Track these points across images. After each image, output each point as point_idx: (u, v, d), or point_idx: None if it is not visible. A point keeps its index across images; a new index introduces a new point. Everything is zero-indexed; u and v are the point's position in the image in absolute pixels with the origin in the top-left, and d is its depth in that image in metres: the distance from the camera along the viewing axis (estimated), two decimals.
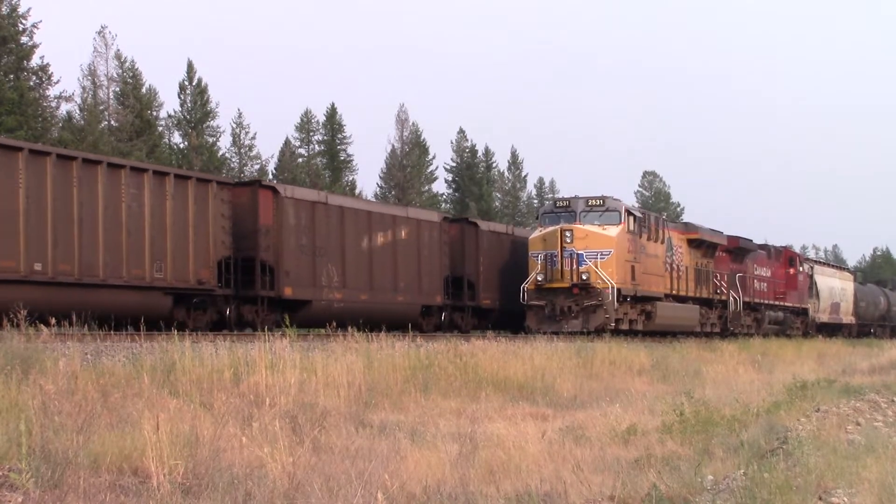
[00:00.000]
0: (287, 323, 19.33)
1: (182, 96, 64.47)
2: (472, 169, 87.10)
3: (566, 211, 32.27)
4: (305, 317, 26.75)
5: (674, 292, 36.15)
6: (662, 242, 35.50)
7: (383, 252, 30.59)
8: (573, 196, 32.81)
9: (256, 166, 68.61)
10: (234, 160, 67.96)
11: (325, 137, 78.36)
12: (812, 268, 53.27)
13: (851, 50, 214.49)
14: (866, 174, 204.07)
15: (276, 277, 26.30)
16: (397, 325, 26.04)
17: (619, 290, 31.09)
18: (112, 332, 18.29)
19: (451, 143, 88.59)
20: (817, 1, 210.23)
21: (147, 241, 22.78)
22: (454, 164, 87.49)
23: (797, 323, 49.58)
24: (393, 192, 76.59)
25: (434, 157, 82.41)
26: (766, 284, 45.88)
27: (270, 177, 67.78)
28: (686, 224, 41.19)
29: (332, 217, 28.70)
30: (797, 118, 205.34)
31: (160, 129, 61.20)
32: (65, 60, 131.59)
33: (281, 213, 26.58)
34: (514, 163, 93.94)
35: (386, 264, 30.69)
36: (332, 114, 78.90)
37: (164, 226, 23.23)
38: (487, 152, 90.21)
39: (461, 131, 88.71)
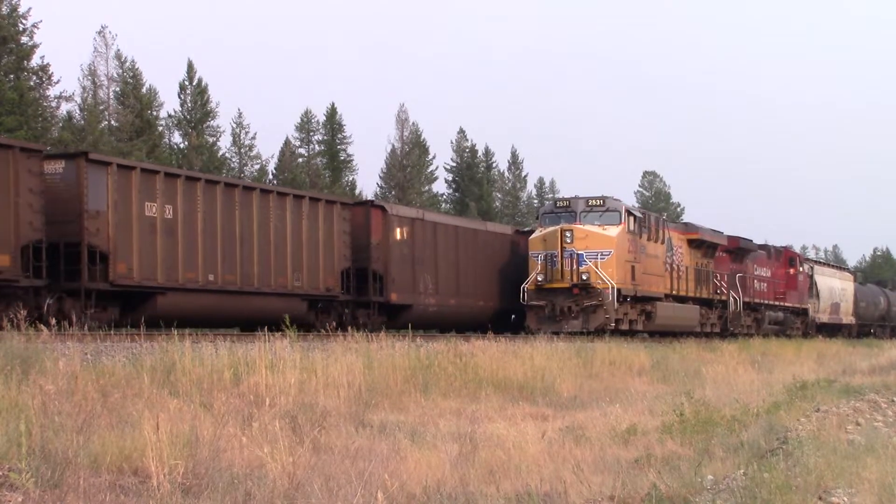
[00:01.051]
0: (391, 326, 26.07)
1: (182, 96, 64.47)
2: (472, 169, 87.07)
3: (566, 211, 32.28)
4: (406, 319, 29.12)
5: (674, 292, 36.16)
6: (662, 242, 35.50)
7: (466, 262, 34.88)
8: (573, 196, 32.83)
9: (256, 166, 68.63)
10: (234, 160, 67.94)
11: (325, 137, 78.33)
12: (812, 268, 53.27)
13: (852, 50, 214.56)
14: (866, 174, 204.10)
15: (384, 285, 30.42)
16: (476, 326, 31.15)
17: (619, 290, 31.10)
18: (112, 333, 18.32)
19: (451, 143, 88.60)
20: (818, 2, 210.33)
21: (289, 255, 27.05)
22: (454, 164, 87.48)
23: (797, 323, 49.58)
24: (393, 193, 76.58)
25: (434, 157, 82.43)
26: (766, 284, 45.88)
27: (270, 177, 67.83)
28: (686, 224, 41.21)
29: (427, 232, 32.98)
30: (797, 118, 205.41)
31: (160, 129, 61.18)
32: (65, 60, 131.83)
33: (388, 229, 30.89)
34: (514, 163, 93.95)
35: (468, 273, 34.89)
36: (332, 114, 78.88)
37: (301, 242, 27.55)
38: (487, 152, 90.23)
39: (461, 131, 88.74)
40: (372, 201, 33.80)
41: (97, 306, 21.60)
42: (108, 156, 27.68)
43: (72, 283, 21.37)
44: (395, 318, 30.02)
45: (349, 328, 25.58)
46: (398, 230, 31.29)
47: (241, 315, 25.69)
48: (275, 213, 26.61)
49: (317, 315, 27.81)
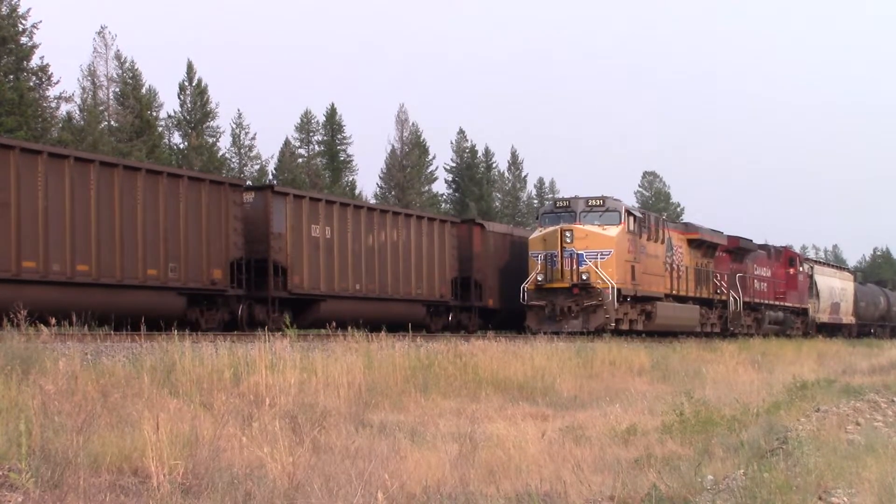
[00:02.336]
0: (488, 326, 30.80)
1: (182, 96, 64.51)
2: (472, 169, 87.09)
3: (566, 211, 32.27)
4: (497, 321, 35.50)
5: (674, 292, 36.15)
6: (662, 242, 35.50)
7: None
8: (573, 196, 32.82)
9: (256, 166, 68.67)
10: (234, 160, 67.99)
11: (325, 138, 78.37)
12: (812, 268, 53.27)
13: (852, 50, 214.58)
14: (866, 174, 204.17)
15: (482, 291, 35.23)
16: None
17: (619, 290, 31.10)
18: (112, 332, 18.34)
19: (451, 143, 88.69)
20: (818, 2, 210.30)
21: (413, 267, 31.81)
22: (454, 165, 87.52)
23: (797, 323, 49.57)
24: (393, 193, 76.59)
25: (434, 158, 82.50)
26: (766, 284, 45.87)
27: (270, 177, 67.87)
28: (686, 224, 41.19)
29: (514, 245, 36.79)
30: (797, 118, 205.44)
31: (160, 129, 61.21)
32: (65, 60, 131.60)
33: (485, 243, 35.65)
34: (514, 163, 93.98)
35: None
36: (332, 114, 78.93)
37: (422, 255, 32.10)
38: (487, 152, 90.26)
39: (461, 131, 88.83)
40: (473, 219, 38.72)
41: (277, 311, 26.40)
42: (286, 187, 33.52)
43: (260, 291, 26.35)
44: (490, 320, 35.52)
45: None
46: (493, 244, 35.96)
47: (378, 317, 27.55)
48: (402, 232, 31.50)
49: (431, 318, 32.60)
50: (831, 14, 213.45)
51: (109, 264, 21.88)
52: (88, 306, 19.57)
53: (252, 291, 26.12)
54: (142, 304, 22.02)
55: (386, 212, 31.98)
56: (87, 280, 21.33)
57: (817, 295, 52.52)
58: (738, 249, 42.73)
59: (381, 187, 79.09)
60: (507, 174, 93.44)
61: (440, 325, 32.82)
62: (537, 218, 34.46)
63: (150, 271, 22.94)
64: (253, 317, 25.94)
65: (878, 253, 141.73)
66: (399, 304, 31.06)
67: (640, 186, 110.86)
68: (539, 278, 31.34)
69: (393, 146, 79.04)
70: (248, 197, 26.94)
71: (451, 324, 33.61)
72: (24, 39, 46.18)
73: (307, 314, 27.63)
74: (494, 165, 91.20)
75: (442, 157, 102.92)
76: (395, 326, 24.89)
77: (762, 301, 44.92)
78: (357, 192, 74.44)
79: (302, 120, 77.83)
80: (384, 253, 30.58)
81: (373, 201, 65.01)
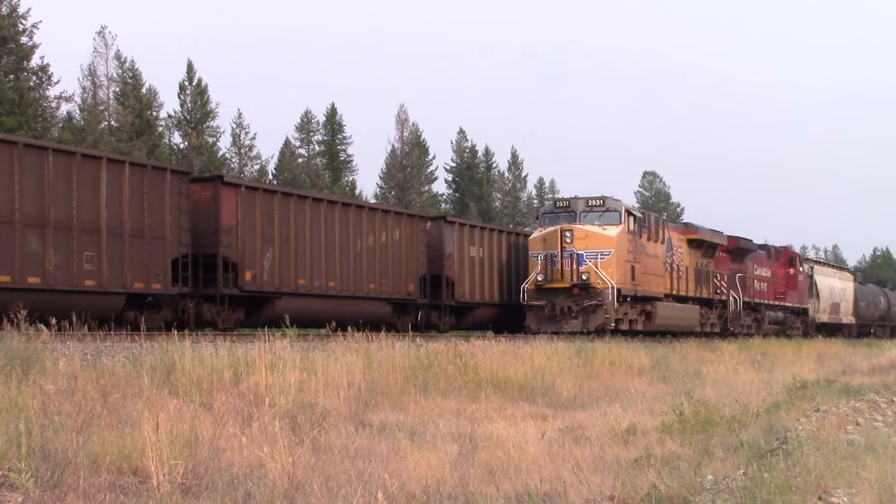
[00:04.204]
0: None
1: (182, 96, 64.53)
2: (472, 169, 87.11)
3: (566, 211, 32.27)
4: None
5: (674, 292, 36.15)
6: (662, 242, 35.49)
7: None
8: (573, 196, 32.82)
9: (256, 166, 68.68)
10: (234, 160, 68.00)
11: (325, 137, 78.39)
12: (812, 268, 53.26)
13: (852, 50, 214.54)
14: (866, 174, 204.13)
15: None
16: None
17: (619, 290, 31.09)
18: (112, 332, 18.33)
19: (451, 143, 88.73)
20: (819, 1, 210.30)
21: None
22: (454, 165, 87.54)
23: (797, 323, 49.56)
24: (393, 193, 76.58)
25: (434, 158, 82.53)
26: (766, 284, 45.87)
27: (270, 177, 67.88)
28: (686, 224, 41.17)
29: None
30: (797, 118, 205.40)
31: (160, 129, 61.21)
32: (65, 60, 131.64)
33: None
34: (514, 163, 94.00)
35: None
36: (332, 114, 78.94)
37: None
38: (487, 152, 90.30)
39: (461, 131, 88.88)
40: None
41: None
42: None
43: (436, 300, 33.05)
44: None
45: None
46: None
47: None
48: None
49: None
50: (832, 13, 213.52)
51: (346, 281, 28.76)
52: (336, 313, 25.92)
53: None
54: (365, 311, 28.51)
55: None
56: (334, 293, 28.35)
57: (817, 295, 52.51)
58: (738, 249, 42.72)
59: (381, 187, 79.14)
60: (507, 174, 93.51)
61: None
62: (537, 218, 34.46)
63: (371, 285, 29.71)
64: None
65: (878, 253, 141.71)
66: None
67: (640, 186, 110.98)
68: (539, 278, 31.33)
69: (393, 146, 79.12)
70: (428, 225, 33.29)
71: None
72: (24, 39, 46.20)
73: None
74: (494, 165, 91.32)
75: (442, 157, 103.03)
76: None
77: (762, 301, 44.92)
78: (357, 192, 74.47)
79: (302, 120, 77.90)
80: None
81: (373, 201, 65.11)
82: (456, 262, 33.84)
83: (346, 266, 28.77)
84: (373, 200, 67.56)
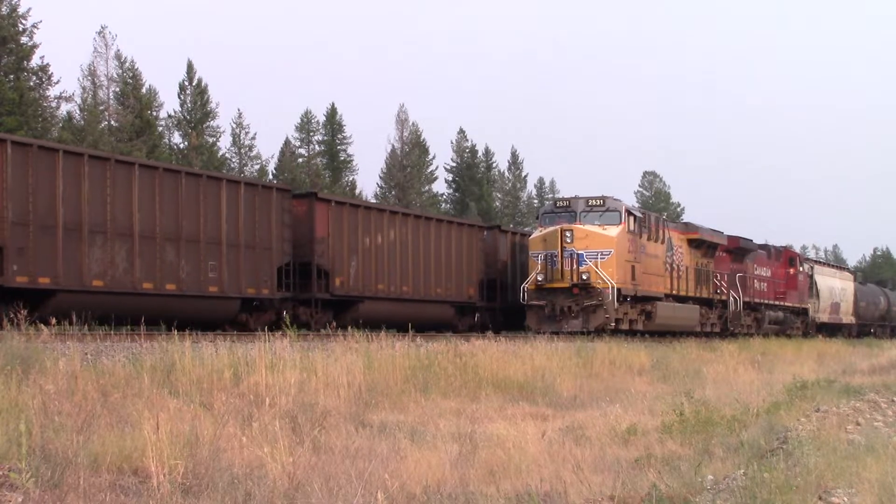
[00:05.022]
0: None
1: (182, 96, 64.45)
2: (472, 169, 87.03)
3: (566, 211, 32.26)
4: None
5: (674, 292, 36.14)
6: (662, 242, 35.49)
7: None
8: (573, 196, 32.80)
9: (256, 166, 68.63)
10: (234, 160, 67.96)
11: (325, 137, 78.31)
12: (812, 268, 53.24)
13: (852, 50, 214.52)
14: (866, 174, 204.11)
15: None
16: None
17: (619, 290, 31.08)
18: (112, 332, 18.34)
19: (451, 143, 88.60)
20: (819, 2, 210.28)
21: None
22: (454, 165, 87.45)
23: (797, 323, 49.55)
24: (393, 193, 76.56)
25: (434, 157, 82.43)
26: (766, 284, 45.86)
27: (270, 177, 67.84)
28: (686, 224, 41.17)
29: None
30: (797, 118, 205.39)
31: (160, 129, 61.14)
32: (65, 60, 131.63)
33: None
34: (514, 163, 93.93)
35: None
36: (332, 114, 78.87)
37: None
38: (487, 152, 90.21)
39: (461, 131, 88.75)
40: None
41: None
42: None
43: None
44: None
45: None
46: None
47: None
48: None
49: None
50: (831, 14, 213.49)
51: (418, 286, 31.60)
52: (408, 315, 28.27)
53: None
54: (432, 313, 32.21)
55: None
56: (407, 297, 31.18)
57: (817, 295, 52.50)
58: (738, 249, 42.71)
59: (381, 187, 79.07)
60: (507, 174, 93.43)
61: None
62: (537, 218, 34.45)
63: (437, 290, 32.62)
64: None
65: (878, 253, 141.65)
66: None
67: (640, 186, 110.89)
68: (539, 278, 31.33)
69: (393, 146, 79.06)
70: (484, 234, 35.99)
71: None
72: (24, 39, 46.13)
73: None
74: (494, 165, 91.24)
75: (442, 157, 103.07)
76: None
77: (762, 301, 44.91)
78: (357, 191, 74.39)
79: (302, 120, 77.80)
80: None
81: (373, 201, 65.12)
82: (509, 268, 36.63)
83: (417, 272, 31.91)
84: (373, 200, 67.58)
